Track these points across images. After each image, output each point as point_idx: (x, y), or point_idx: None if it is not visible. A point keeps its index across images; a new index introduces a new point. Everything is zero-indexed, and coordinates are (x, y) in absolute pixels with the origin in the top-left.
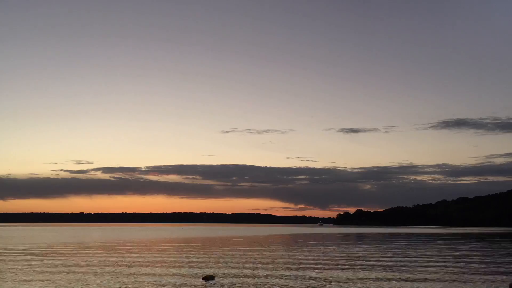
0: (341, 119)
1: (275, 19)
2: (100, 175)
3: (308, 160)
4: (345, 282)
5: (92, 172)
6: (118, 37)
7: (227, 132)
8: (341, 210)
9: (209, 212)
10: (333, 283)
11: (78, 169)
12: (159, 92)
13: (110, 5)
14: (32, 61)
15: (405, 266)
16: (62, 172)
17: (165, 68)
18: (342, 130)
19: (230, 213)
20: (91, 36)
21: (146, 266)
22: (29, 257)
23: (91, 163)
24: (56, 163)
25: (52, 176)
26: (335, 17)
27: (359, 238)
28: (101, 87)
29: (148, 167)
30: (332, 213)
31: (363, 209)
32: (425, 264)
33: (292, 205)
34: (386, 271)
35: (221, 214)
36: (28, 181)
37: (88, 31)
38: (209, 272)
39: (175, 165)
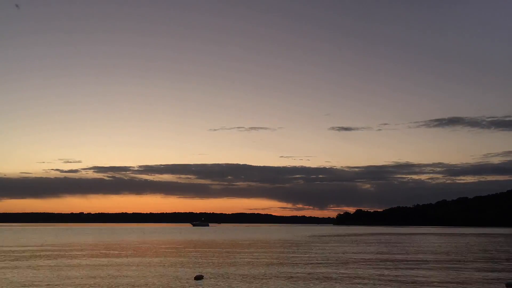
0: (331, 117)
1: (267, 17)
2: (92, 175)
3: (302, 159)
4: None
5: (83, 172)
6: (110, 37)
7: (216, 130)
8: (340, 210)
9: (209, 212)
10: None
11: (68, 168)
12: (147, 91)
13: (102, 5)
14: (22, 62)
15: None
16: (52, 171)
17: (152, 67)
18: (332, 128)
19: (230, 213)
20: (82, 36)
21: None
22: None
23: (79, 162)
24: (44, 162)
25: (44, 176)
26: (329, 15)
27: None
28: (89, 87)
29: (140, 167)
30: (331, 213)
31: (362, 209)
32: (422, 263)
33: (290, 205)
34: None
35: (221, 214)
36: (21, 180)
37: (81, 31)
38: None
39: (167, 165)
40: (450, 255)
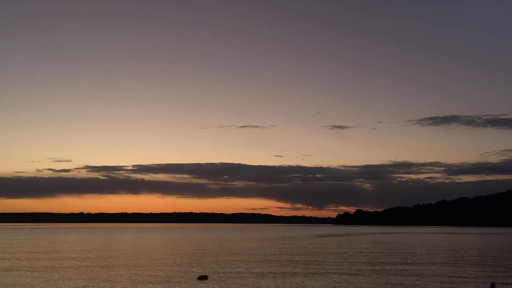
0: (325, 115)
1: (260, 17)
2: (85, 174)
3: (296, 158)
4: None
5: (76, 171)
6: (105, 37)
7: (205, 128)
8: (340, 210)
9: (209, 212)
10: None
11: (59, 167)
12: (138, 91)
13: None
14: (13, 62)
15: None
16: (45, 170)
17: (144, 67)
18: (325, 126)
19: (229, 213)
20: (76, 37)
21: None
22: None
23: (69, 161)
24: (33, 161)
25: (38, 175)
26: (323, 14)
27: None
28: (81, 86)
29: (134, 166)
30: (330, 213)
31: (362, 209)
32: (418, 261)
33: (288, 205)
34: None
35: (221, 214)
36: (16, 180)
37: (76, 31)
38: None
39: (161, 164)
40: (443, 254)
